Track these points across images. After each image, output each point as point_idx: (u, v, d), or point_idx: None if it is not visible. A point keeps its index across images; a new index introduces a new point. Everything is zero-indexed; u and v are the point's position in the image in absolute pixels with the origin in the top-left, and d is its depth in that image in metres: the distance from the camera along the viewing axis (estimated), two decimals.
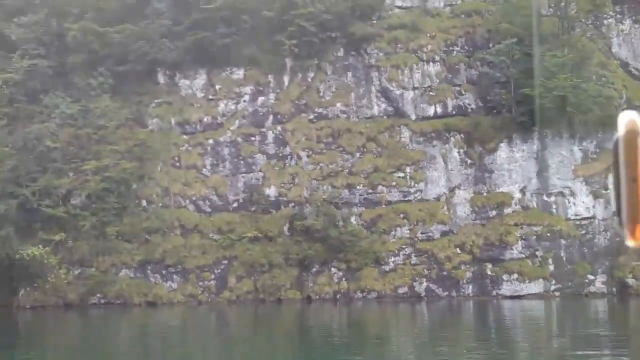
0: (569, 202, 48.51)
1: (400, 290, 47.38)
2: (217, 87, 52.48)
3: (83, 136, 49.06)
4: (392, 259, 47.97)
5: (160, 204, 49.57)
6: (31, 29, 51.05)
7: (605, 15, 53.94)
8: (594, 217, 48.17)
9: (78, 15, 51.45)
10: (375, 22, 52.94)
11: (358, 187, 49.73)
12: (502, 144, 50.13)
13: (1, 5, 52.24)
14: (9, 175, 46.06)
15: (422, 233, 48.57)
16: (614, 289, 46.75)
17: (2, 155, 46.11)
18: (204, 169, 50.93)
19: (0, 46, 51.29)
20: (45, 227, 47.25)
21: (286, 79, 52.49)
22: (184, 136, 51.20)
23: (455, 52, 52.72)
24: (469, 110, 51.58)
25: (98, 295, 47.21)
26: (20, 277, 46.43)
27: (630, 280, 46.46)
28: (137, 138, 49.99)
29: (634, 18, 54.24)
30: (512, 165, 49.85)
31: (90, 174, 47.73)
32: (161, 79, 53.03)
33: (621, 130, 3.09)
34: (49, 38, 51.61)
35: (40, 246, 45.31)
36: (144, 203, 49.74)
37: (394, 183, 49.64)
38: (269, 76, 52.46)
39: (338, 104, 51.79)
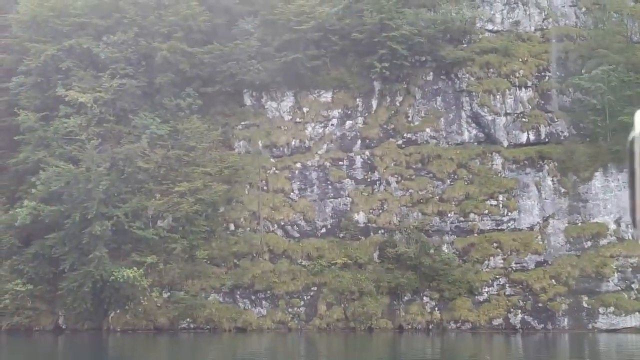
0: None
1: (495, 322, 46.26)
2: (305, 109, 51.77)
3: (173, 157, 48.47)
4: (486, 289, 46.89)
5: (248, 228, 48.84)
6: (119, 48, 50.60)
7: None
8: None
9: (167, 35, 50.93)
10: (465, 45, 51.99)
11: (449, 215, 48.75)
12: (597, 173, 49.00)
13: (90, 24, 51.77)
14: (102, 196, 45.50)
15: (516, 263, 47.48)
16: None
17: (97, 175, 45.55)
18: (291, 193, 50.18)
19: (89, 65, 50.83)
20: (136, 249, 46.71)
21: (374, 102, 51.69)
22: (272, 159, 50.48)
23: (547, 78, 51.70)
24: (562, 137, 50.51)
25: (188, 320, 46.49)
26: (111, 299, 45.89)
27: None
28: (226, 160, 49.30)
29: None
30: (607, 195, 48.69)
31: (179, 195, 47.06)
32: (247, 100, 52.41)
33: (638, 129, 3.08)
34: (137, 58, 51.12)
35: (135, 268, 44.71)
36: (232, 227, 49.04)
37: (486, 211, 48.62)
38: (357, 99, 51.70)
39: (427, 129, 50.89)
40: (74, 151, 47.37)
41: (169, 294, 46.89)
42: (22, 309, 46.55)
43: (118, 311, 46.47)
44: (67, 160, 47.33)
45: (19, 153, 50.33)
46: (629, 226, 48.03)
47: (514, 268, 47.33)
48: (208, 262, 47.46)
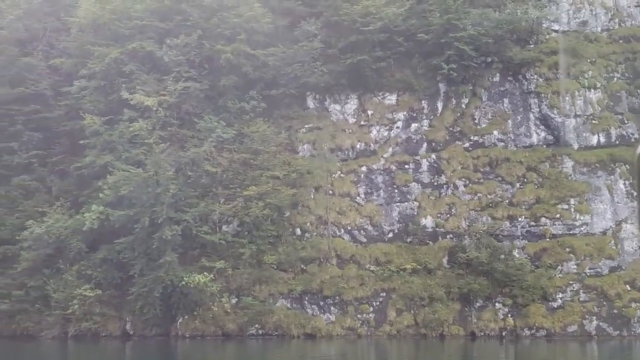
0: None
1: (570, 329, 45.15)
2: (369, 112, 51.03)
3: (239, 161, 47.87)
4: (560, 295, 45.81)
5: (315, 233, 48.16)
6: (182, 51, 50.11)
7: None
8: None
9: (229, 37, 50.35)
10: (532, 46, 51.01)
11: (520, 219, 47.76)
12: None
13: (151, 26, 51.31)
14: (171, 200, 44.97)
15: (590, 268, 46.38)
16: None
17: (165, 179, 45.02)
18: (357, 197, 49.44)
19: (152, 68, 50.36)
20: (204, 254, 46.17)
21: (440, 104, 50.84)
22: (337, 163, 49.74)
23: (615, 79, 50.62)
24: (633, 139, 49.37)
25: (256, 326, 45.84)
26: (179, 305, 45.33)
27: None
28: (292, 164, 48.64)
29: None
30: None
31: (245, 200, 46.47)
32: (310, 103, 51.75)
33: None
34: (200, 60, 50.62)
35: (206, 273, 44.14)
36: (298, 231, 48.37)
37: (557, 215, 47.57)
38: (423, 102, 50.88)
39: (495, 132, 49.95)
40: (140, 155, 46.90)
41: (236, 299, 46.28)
42: (90, 314, 46.15)
43: (186, 317, 45.92)
44: (132, 164, 46.88)
45: (81, 157, 50.06)
46: None
47: (588, 274, 46.25)
48: (275, 267, 46.79)
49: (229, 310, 45.90)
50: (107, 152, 48.06)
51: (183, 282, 43.72)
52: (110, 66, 49.69)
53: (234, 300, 46.28)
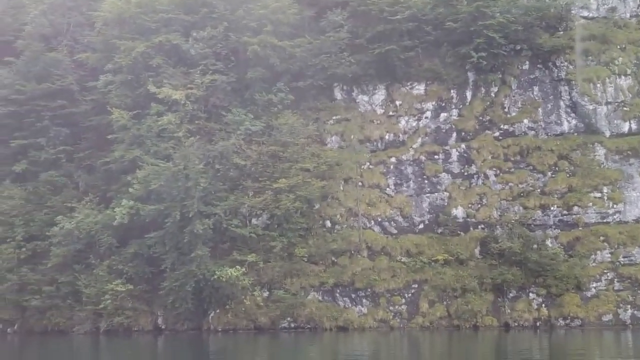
0: None
1: (605, 318, 44.69)
2: (398, 103, 50.57)
3: (267, 154, 47.57)
4: (594, 284, 45.34)
5: (345, 225, 47.83)
6: (208, 43, 49.80)
7: None
8: None
9: (256, 29, 49.96)
10: (562, 33, 50.38)
11: (552, 208, 47.28)
12: None
13: (177, 20, 50.99)
14: (201, 194, 44.75)
15: (624, 257, 45.87)
16: None
17: (195, 173, 44.78)
18: (387, 189, 49.06)
19: (178, 61, 50.09)
20: (234, 248, 45.96)
21: (469, 94, 50.32)
22: (365, 154, 49.33)
23: None
24: None
25: (288, 319, 45.62)
26: (211, 299, 45.16)
27: None
28: (321, 156, 48.28)
29: None
30: None
31: (275, 192, 46.16)
32: (338, 94, 51.35)
33: None
34: (227, 53, 50.28)
35: (238, 267, 43.93)
36: (328, 224, 48.06)
37: (590, 204, 47.06)
38: (451, 91, 50.36)
39: (525, 120, 49.41)
40: (169, 149, 46.69)
41: (268, 292, 46.07)
42: (122, 309, 46.08)
43: (218, 311, 45.75)
44: (161, 158, 46.68)
45: (108, 152, 49.93)
46: None
47: (622, 262, 45.74)
48: (306, 260, 46.51)
49: (261, 304, 45.68)
50: (136, 146, 47.86)
51: (215, 276, 43.52)
52: (137, 60, 49.45)
53: (265, 294, 46.07)
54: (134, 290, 45.88)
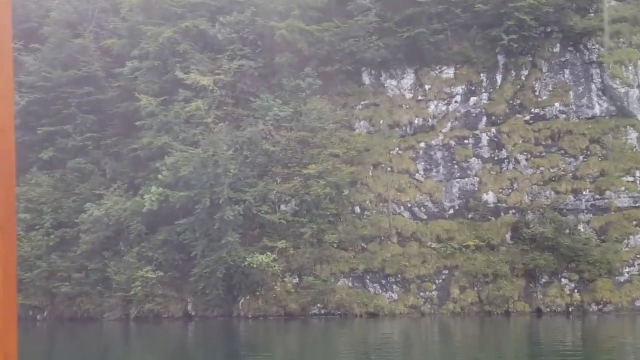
0: None
1: (638, 303, 44.18)
2: (427, 87, 50.07)
3: (296, 139, 47.25)
4: (627, 269, 44.86)
5: (374, 211, 47.51)
6: (235, 28, 49.45)
7: None
8: None
9: (283, 13, 49.52)
10: (593, 15, 49.63)
11: (584, 193, 46.74)
12: None
13: (203, 4, 50.67)
14: (231, 180, 44.54)
15: None
16: None
17: (224, 160, 44.55)
18: (416, 174, 48.66)
19: (205, 47, 49.79)
20: (264, 234, 45.77)
21: (499, 77, 49.70)
22: (394, 139, 48.93)
23: None
24: None
25: (318, 305, 45.47)
26: (241, 285, 45.06)
27: None
28: (350, 141, 47.92)
29: None
30: None
31: (305, 178, 45.87)
32: (366, 79, 50.88)
33: None
34: (254, 38, 49.91)
35: (269, 253, 43.75)
36: (357, 209, 47.76)
37: (622, 188, 46.46)
38: (481, 75, 49.79)
39: (556, 104, 48.79)
40: (197, 135, 46.47)
41: (297, 279, 45.91)
42: (152, 296, 46.05)
43: (248, 297, 45.65)
44: (189, 145, 46.49)
45: (135, 139, 49.79)
46: None
47: None
48: (335, 246, 46.27)
49: (291, 290, 45.51)
50: (163, 132, 47.65)
51: (245, 263, 43.33)
52: (164, 46, 49.15)
53: (295, 280, 45.90)
54: (164, 277, 45.80)
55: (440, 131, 49.16)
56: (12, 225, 2.37)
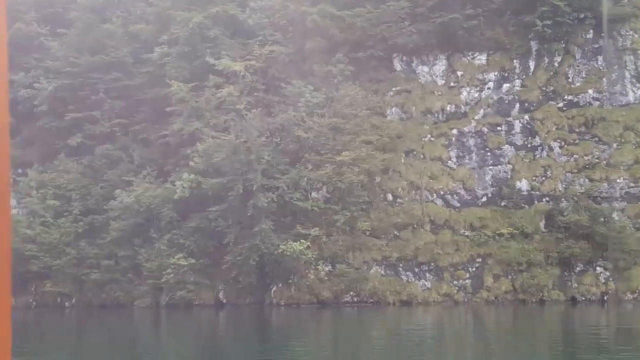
0: None
1: None
2: (459, 73, 49.55)
3: (328, 126, 46.80)
4: None
5: (407, 198, 47.12)
6: (266, 13, 48.96)
7: None
8: None
9: None
10: (626, 1, 48.99)
11: (618, 181, 46.28)
12: None
13: None
14: (264, 167, 44.16)
15: None
16: None
17: (256, 146, 44.16)
18: (449, 161, 48.23)
19: (235, 32, 49.32)
20: (296, 222, 45.39)
21: (532, 63, 49.16)
22: (426, 126, 48.48)
23: None
24: None
25: (351, 293, 45.16)
26: (273, 273, 44.77)
27: None
28: (382, 128, 47.47)
29: None
30: None
31: (338, 165, 45.43)
32: (397, 65, 50.37)
33: None
34: (285, 23, 49.40)
35: (302, 240, 43.38)
36: (390, 197, 47.37)
37: None
38: (514, 61, 49.24)
39: (589, 91, 48.26)
40: (229, 121, 46.07)
41: (330, 267, 45.59)
42: (184, 283, 45.77)
43: (280, 285, 45.37)
44: (220, 131, 46.10)
45: (164, 125, 49.42)
46: None
47: None
48: (368, 233, 45.92)
49: (324, 278, 45.22)
50: (194, 119, 47.26)
51: (279, 250, 43.00)
52: (194, 31, 48.69)
53: (328, 268, 45.58)
54: (195, 264, 45.48)
55: (473, 118, 48.68)
56: (6, 217, 2.40)
